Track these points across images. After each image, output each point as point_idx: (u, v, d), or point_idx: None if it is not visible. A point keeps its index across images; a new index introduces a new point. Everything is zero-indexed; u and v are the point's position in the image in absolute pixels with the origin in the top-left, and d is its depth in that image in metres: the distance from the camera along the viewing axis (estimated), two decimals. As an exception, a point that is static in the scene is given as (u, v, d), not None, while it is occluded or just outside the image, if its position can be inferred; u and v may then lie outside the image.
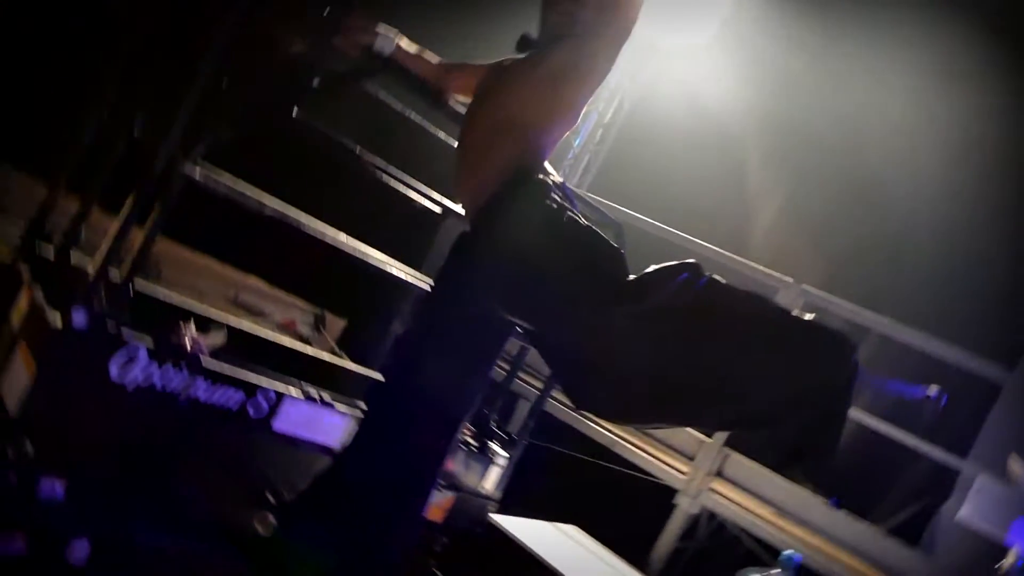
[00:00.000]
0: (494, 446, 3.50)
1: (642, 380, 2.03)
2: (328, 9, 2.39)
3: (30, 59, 4.06)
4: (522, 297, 2.14)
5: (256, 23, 2.43)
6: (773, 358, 1.98)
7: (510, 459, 3.56)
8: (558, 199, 2.16)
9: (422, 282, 3.29)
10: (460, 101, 2.69)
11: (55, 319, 2.26)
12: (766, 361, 1.97)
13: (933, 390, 2.14)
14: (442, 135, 3.39)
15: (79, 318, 2.20)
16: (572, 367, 2.16)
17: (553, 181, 2.22)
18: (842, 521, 4.12)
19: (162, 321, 2.54)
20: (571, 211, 2.14)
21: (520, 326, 2.25)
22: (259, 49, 2.53)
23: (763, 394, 1.99)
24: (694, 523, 4.60)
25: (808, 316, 2.07)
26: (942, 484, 4.21)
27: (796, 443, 2.02)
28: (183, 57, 2.66)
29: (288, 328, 4.83)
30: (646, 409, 2.13)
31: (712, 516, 4.68)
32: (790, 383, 1.98)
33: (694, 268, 2.04)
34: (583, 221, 2.13)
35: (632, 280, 2.04)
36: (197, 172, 2.35)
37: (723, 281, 2.05)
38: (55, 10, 4.04)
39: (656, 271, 2.04)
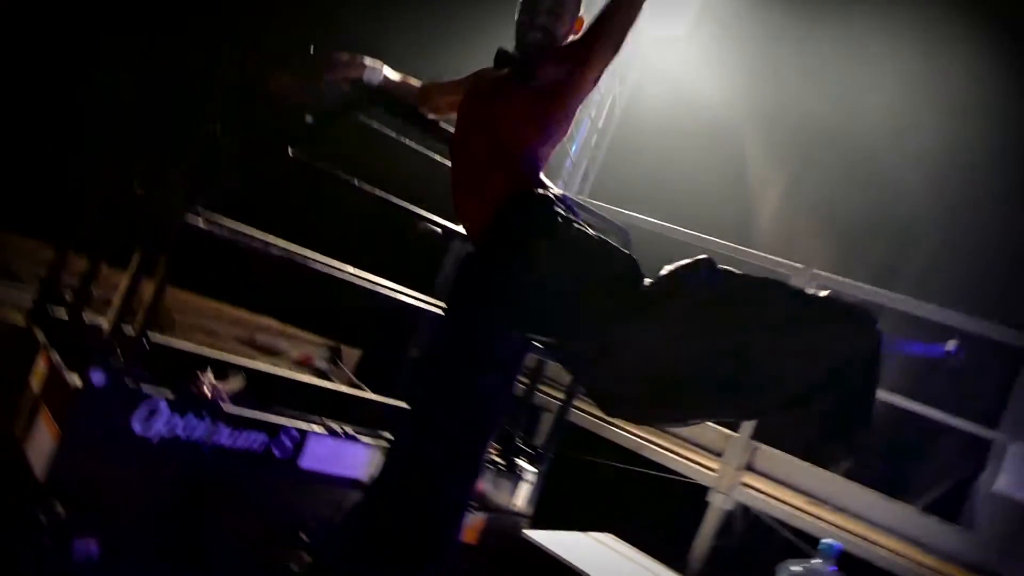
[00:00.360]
0: (521, 462, 3.49)
1: (674, 379, 2.05)
2: (313, 48, 2.41)
3: (26, 123, 4.10)
4: (541, 315, 2.15)
5: (246, 68, 2.45)
6: (800, 338, 2.02)
7: (539, 473, 3.55)
8: (563, 212, 2.16)
9: (433, 306, 3.30)
10: (446, 120, 2.69)
11: (74, 380, 2.28)
12: (794, 341, 2.01)
13: (952, 345, 2.17)
14: (438, 157, 3.40)
15: (98, 377, 2.21)
16: (599, 376, 2.17)
17: (554, 194, 2.22)
18: (878, 504, 4.08)
19: (180, 371, 2.56)
20: (578, 223, 2.15)
21: (541, 342, 2.26)
22: (251, 93, 2.55)
23: (796, 373, 2.02)
24: (729, 519, 4.57)
25: (823, 293, 2.11)
26: (975, 457, 4.17)
27: (833, 416, 2.05)
28: (177, 108, 2.69)
29: (305, 364, 4.85)
30: (681, 407, 2.17)
31: (746, 510, 4.64)
32: (820, 359, 2.01)
33: (708, 263, 2.06)
34: (591, 232, 2.14)
35: (650, 286, 2.05)
36: (200, 221, 2.36)
37: (738, 272, 2.08)
38: (48, 73, 4.08)
39: (672, 273, 2.06)
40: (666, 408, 2.19)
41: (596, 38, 2.28)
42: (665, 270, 2.07)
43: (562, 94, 2.27)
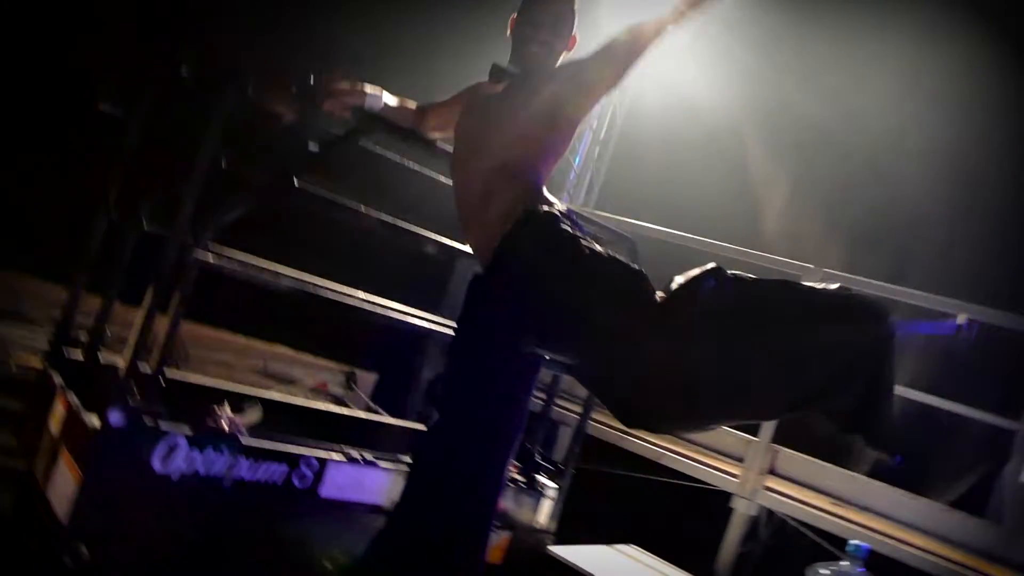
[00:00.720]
0: (542, 478, 3.48)
1: (692, 388, 2.05)
2: (313, 77, 2.42)
3: (32, 166, 4.14)
4: (554, 334, 2.15)
5: (248, 100, 2.47)
6: (815, 335, 2.03)
7: (560, 489, 3.54)
8: (570, 229, 2.17)
9: (444, 327, 3.30)
10: (444, 140, 2.69)
11: (93, 421, 2.29)
12: (809, 339, 2.02)
13: (962, 319, 2.17)
14: (442, 178, 3.41)
15: (116, 417, 2.22)
16: (617, 391, 2.16)
17: (560, 211, 2.23)
18: (903, 501, 4.05)
19: (197, 405, 2.57)
20: (586, 240, 2.15)
21: (555, 359, 2.26)
22: (254, 125, 2.57)
23: (813, 370, 2.03)
24: (754, 525, 4.54)
25: (833, 286, 2.11)
26: (998, 449, 4.14)
27: (854, 410, 2.06)
28: (181, 143, 2.71)
29: (321, 390, 4.87)
30: (700, 414, 2.17)
31: (771, 515, 4.61)
32: (836, 354, 2.02)
33: (717, 272, 2.06)
34: (599, 248, 2.14)
35: (663, 300, 2.05)
36: (210, 256, 2.37)
37: (749, 276, 2.08)
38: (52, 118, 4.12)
39: (683, 285, 2.06)
40: (686, 417, 2.20)
41: (600, 66, 2.30)
42: (676, 282, 2.07)
43: (562, 113, 2.29)
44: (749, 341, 2.01)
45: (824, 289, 2.10)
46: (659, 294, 2.07)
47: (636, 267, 2.14)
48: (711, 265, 2.08)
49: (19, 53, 4.07)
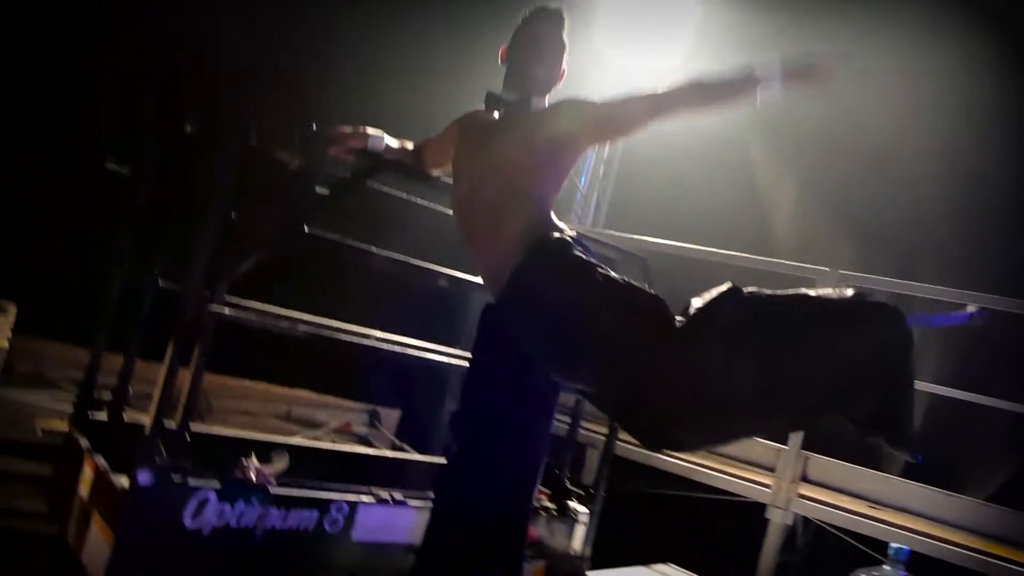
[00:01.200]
0: (573, 504, 3.46)
1: (718, 408, 2.06)
2: (315, 124, 2.45)
3: (45, 232, 4.19)
4: (573, 361, 2.15)
5: (253, 152, 2.50)
6: (834, 342, 2.04)
7: (592, 513, 3.51)
8: (584, 256, 2.17)
9: (462, 359, 3.30)
10: (445, 174, 2.69)
11: (121, 483, 2.30)
12: (829, 347, 2.03)
13: (973, 307, 2.22)
14: (449, 211, 3.43)
15: (144, 477, 2.23)
16: (640, 416, 2.16)
17: (571, 237, 2.23)
18: (940, 499, 3.99)
19: (224, 458, 2.57)
20: (600, 267, 2.15)
21: (575, 387, 2.26)
22: (261, 176, 2.59)
23: (835, 378, 2.04)
24: (791, 534, 4.49)
25: (849, 292, 2.12)
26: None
27: (874, 411, 2.06)
28: (190, 199, 2.74)
29: (345, 431, 4.87)
30: (725, 432, 2.20)
31: (807, 522, 4.56)
32: (856, 359, 2.03)
33: (734, 292, 2.06)
34: (615, 274, 2.15)
35: (683, 324, 2.05)
36: (226, 309, 2.39)
37: (765, 292, 2.09)
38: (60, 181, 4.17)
39: (702, 308, 2.06)
40: (711, 436, 2.22)
41: (601, 121, 2.33)
42: (694, 305, 2.08)
43: (568, 145, 2.31)
44: (770, 357, 2.02)
45: (839, 296, 2.11)
46: (679, 318, 2.07)
47: (653, 292, 2.15)
48: (727, 285, 2.08)
49: (27, 113, 4.14)
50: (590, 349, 2.10)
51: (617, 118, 2.33)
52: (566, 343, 2.13)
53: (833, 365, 2.03)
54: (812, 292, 2.14)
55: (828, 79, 2.12)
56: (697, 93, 2.22)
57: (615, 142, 6.24)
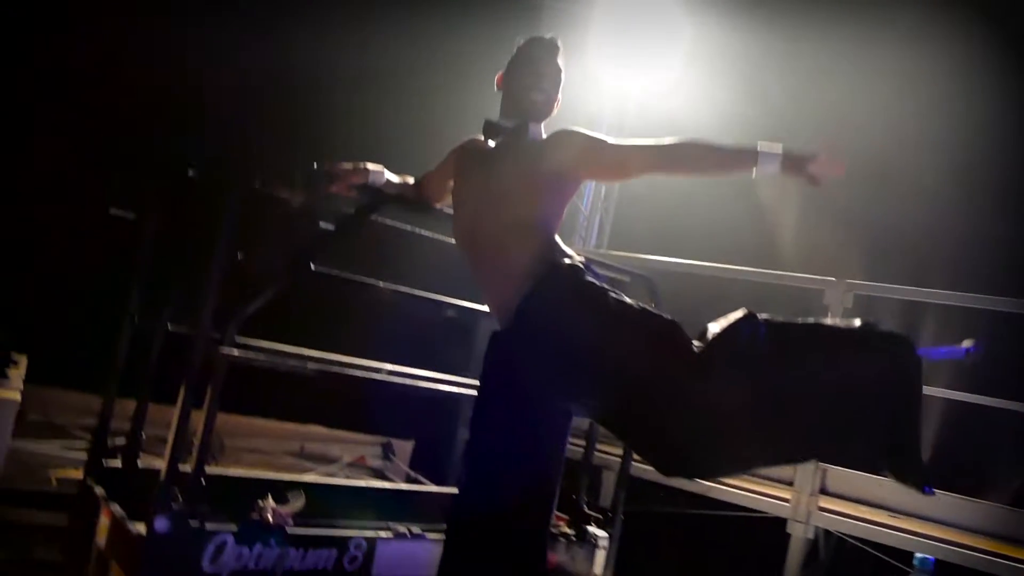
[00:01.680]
0: (592, 528, 3.43)
1: (736, 437, 2.07)
2: (316, 163, 2.46)
3: (51, 280, 4.21)
4: (588, 388, 2.14)
5: (256, 194, 2.51)
6: (848, 375, 2.07)
7: (611, 536, 3.48)
8: (595, 282, 2.17)
9: (472, 387, 3.29)
10: (446, 206, 2.69)
11: (138, 530, 2.29)
12: (844, 380, 2.06)
13: (969, 343, 2.28)
14: (454, 242, 3.44)
15: (161, 523, 2.22)
16: (655, 442, 2.16)
17: (581, 263, 2.23)
18: (962, 506, 3.95)
19: (240, 499, 2.56)
20: (614, 292, 2.15)
21: (589, 413, 2.25)
22: (265, 217, 2.61)
23: (848, 410, 2.07)
24: (813, 548, 4.44)
25: (856, 323, 2.15)
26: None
27: (882, 446, 2.11)
28: (196, 242, 2.75)
29: (360, 464, 4.85)
30: (742, 461, 2.22)
31: (828, 535, 4.51)
32: (866, 392, 2.06)
33: (750, 319, 2.09)
34: (629, 300, 2.15)
35: (702, 351, 2.06)
36: (236, 351, 2.39)
37: (779, 320, 2.12)
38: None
39: (720, 335, 2.08)
40: (726, 464, 2.25)
41: (602, 163, 2.35)
42: (711, 331, 2.09)
43: (571, 176, 2.32)
44: (786, 388, 2.05)
45: (849, 327, 2.15)
46: (696, 343, 2.07)
47: (669, 317, 2.15)
48: (743, 311, 2.10)
49: (30, 161, 4.18)
50: (607, 376, 2.10)
51: (617, 163, 2.35)
52: (581, 370, 2.12)
53: (847, 395, 2.07)
54: (823, 321, 2.18)
55: (824, 173, 2.13)
56: (698, 154, 2.24)
57: (611, 183, 6.27)
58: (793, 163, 2.14)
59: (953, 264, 4.83)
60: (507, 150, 2.38)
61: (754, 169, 2.15)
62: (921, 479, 2.12)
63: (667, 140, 2.23)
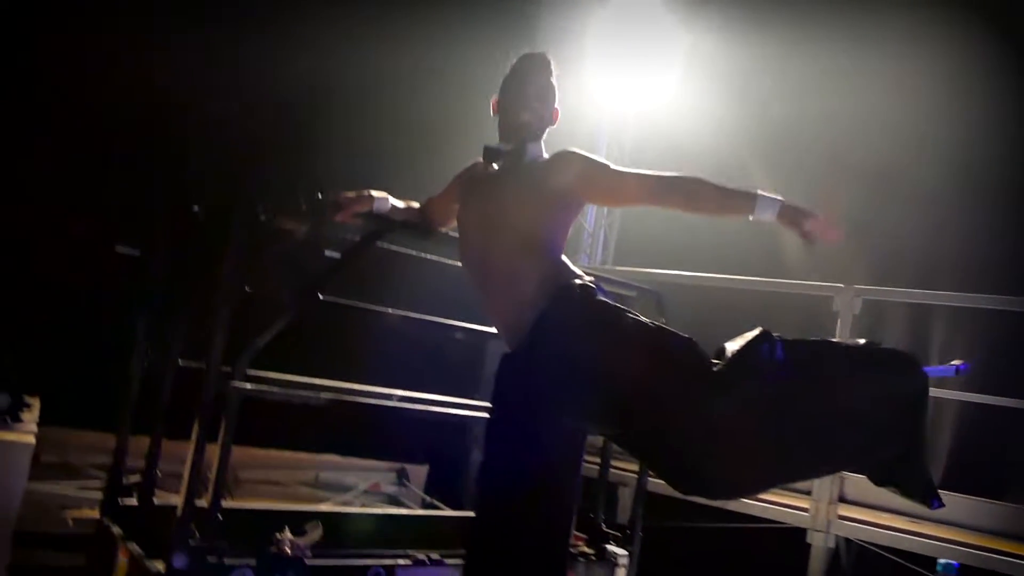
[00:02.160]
0: (611, 547, 3.41)
1: (754, 455, 2.08)
2: (320, 193, 2.47)
3: (60, 321, 4.23)
4: (605, 408, 2.14)
5: (261, 226, 2.52)
6: (860, 394, 2.11)
7: (631, 554, 3.46)
8: (608, 301, 2.18)
9: (484, 410, 3.28)
10: (451, 230, 2.70)
11: (157, 567, 2.28)
12: (856, 398, 2.09)
13: (959, 362, 2.31)
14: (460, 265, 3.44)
15: (180, 561, 2.21)
16: (674, 461, 2.16)
17: (591, 283, 2.23)
18: (983, 509, 3.92)
19: (257, 532, 2.55)
20: (629, 312, 2.16)
21: (606, 433, 2.25)
22: (272, 248, 2.61)
23: (860, 428, 2.10)
24: (835, 556, 4.41)
25: (861, 341, 2.21)
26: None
27: (890, 463, 2.14)
28: (205, 278, 2.76)
29: (375, 492, 4.84)
30: (761, 479, 2.22)
31: (849, 544, 4.48)
32: (877, 410, 2.10)
33: (766, 337, 2.10)
34: (643, 319, 2.16)
35: (721, 369, 2.07)
36: (248, 385, 2.39)
37: (792, 339, 2.14)
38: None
39: (739, 353, 2.09)
40: (745, 483, 2.24)
41: (603, 188, 2.37)
42: (729, 349, 2.10)
43: (564, 199, 2.32)
44: (802, 406, 2.08)
45: (854, 344, 2.20)
46: (715, 364, 2.08)
47: (686, 335, 2.16)
48: (759, 330, 2.12)
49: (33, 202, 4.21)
50: (626, 397, 2.11)
51: (615, 189, 2.36)
52: (600, 391, 2.12)
53: (860, 411, 2.10)
54: (832, 339, 2.20)
55: (819, 234, 2.14)
56: (697, 190, 2.24)
57: (610, 207, 6.28)
58: (790, 215, 2.13)
59: (963, 266, 4.81)
60: (508, 173, 2.39)
61: (750, 215, 2.16)
62: (929, 494, 2.15)
63: (669, 173, 2.24)
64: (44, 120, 4.26)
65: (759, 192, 2.15)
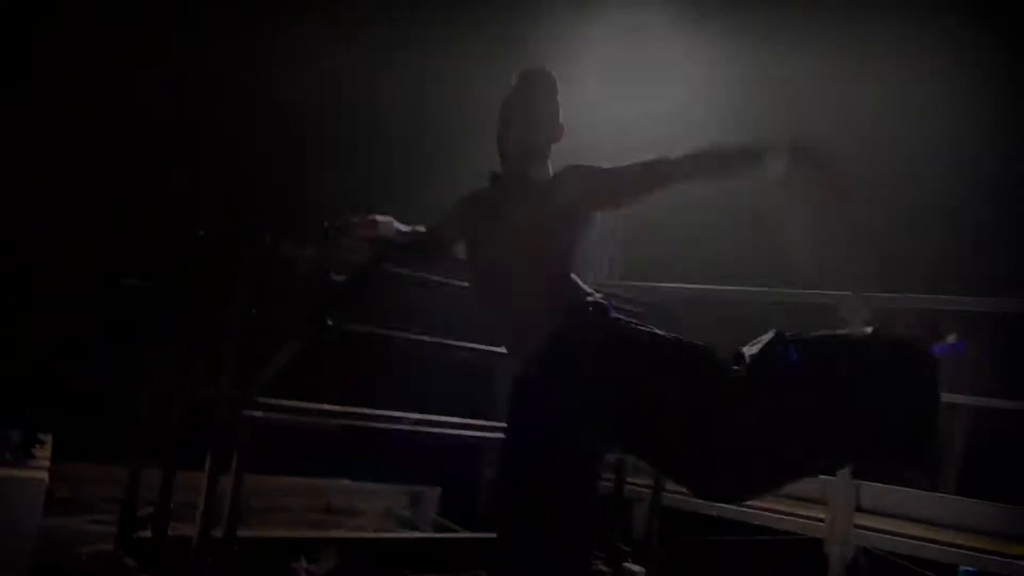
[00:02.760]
0: (629, 565, 3.39)
1: (777, 454, 2.13)
2: (327, 222, 2.47)
3: (68, 355, 4.23)
4: (626, 423, 2.14)
5: (268, 253, 2.53)
6: (870, 381, 2.13)
7: (648, 571, 3.44)
8: (622, 317, 2.18)
9: (497, 431, 3.27)
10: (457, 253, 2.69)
11: (174, 601, 2.27)
12: (872, 389, 2.12)
13: (952, 339, 2.37)
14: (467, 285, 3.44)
15: (196, 592, 2.20)
16: (698, 468, 2.17)
17: (603, 300, 2.23)
18: (1001, 514, 3.88)
19: (272, 560, 2.54)
20: (643, 326, 2.17)
21: (628, 449, 2.25)
22: (280, 276, 2.62)
23: (877, 417, 2.14)
24: (853, 566, 4.36)
25: (868, 330, 2.27)
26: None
27: (908, 446, 2.16)
28: (212, 305, 2.76)
29: (388, 515, 4.81)
30: (784, 476, 2.27)
31: (867, 553, 4.44)
32: (893, 398, 2.13)
33: (780, 339, 2.13)
34: (659, 332, 2.17)
35: (739, 376, 2.10)
36: (259, 413, 2.39)
37: (805, 337, 2.16)
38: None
39: (756, 357, 2.12)
40: (769, 481, 2.27)
41: (609, 192, 2.34)
42: (747, 353, 2.13)
43: (571, 216, 2.31)
44: (820, 402, 2.11)
45: (863, 335, 2.26)
46: (735, 371, 2.12)
47: (702, 344, 2.17)
48: (773, 332, 2.14)
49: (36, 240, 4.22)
50: (648, 411, 2.12)
51: (624, 189, 2.33)
52: (621, 408, 2.12)
53: (876, 406, 2.13)
54: (841, 332, 2.23)
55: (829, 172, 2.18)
56: (705, 163, 2.23)
57: (624, 210, 6.25)
58: (800, 154, 2.13)
59: (966, 269, 4.80)
60: (513, 194, 2.38)
61: (764, 169, 2.14)
62: (930, 466, 2.29)
63: (672, 156, 2.23)
64: (42, 149, 4.29)
65: (766, 144, 2.15)
